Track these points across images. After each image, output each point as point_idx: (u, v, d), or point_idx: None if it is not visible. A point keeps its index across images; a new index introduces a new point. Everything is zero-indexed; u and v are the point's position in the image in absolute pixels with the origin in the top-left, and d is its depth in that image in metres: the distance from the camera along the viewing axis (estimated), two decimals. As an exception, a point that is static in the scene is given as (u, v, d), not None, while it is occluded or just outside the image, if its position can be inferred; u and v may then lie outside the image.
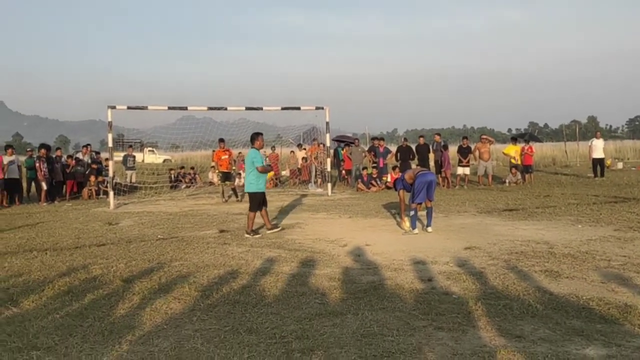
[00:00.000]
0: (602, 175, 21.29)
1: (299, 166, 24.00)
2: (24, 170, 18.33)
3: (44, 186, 17.33)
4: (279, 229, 10.45)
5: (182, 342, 4.54)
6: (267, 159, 25.38)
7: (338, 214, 13.00)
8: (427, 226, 10.07)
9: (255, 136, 10.47)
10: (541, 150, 37.94)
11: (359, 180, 19.96)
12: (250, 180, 10.22)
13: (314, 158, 21.92)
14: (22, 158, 18.91)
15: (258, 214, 10.23)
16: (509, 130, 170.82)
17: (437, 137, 21.46)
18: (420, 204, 10.06)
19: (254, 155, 10.17)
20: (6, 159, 17.05)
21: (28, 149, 20.38)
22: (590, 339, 4.37)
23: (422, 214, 10.41)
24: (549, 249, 8.04)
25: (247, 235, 9.87)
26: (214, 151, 21.45)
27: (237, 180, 20.28)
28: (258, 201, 10.21)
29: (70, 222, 12.58)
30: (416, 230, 9.90)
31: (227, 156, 17.32)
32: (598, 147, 21.68)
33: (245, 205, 15.44)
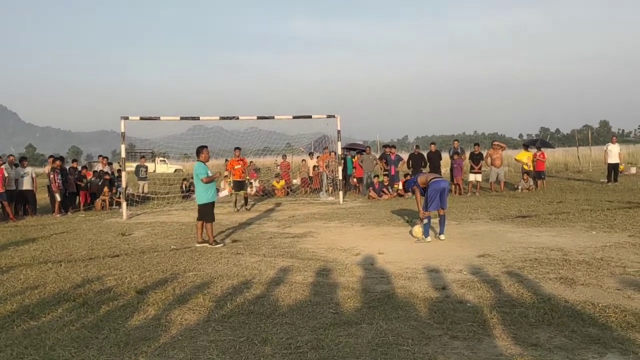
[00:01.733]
0: (615, 180, 21.13)
1: (310, 174, 24.02)
2: (38, 181, 18.48)
3: (58, 197, 17.44)
4: (210, 244, 10.06)
5: (198, 354, 4.56)
6: (279, 167, 25.47)
7: (350, 223, 12.99)
8: (440, 234, 10.03)
9: (200, 149, 10.67)
10: (553, 156, 37.69)
11: (371, 188, 19.94)
12: (200, 192, 10.34)
13: (325, 166, 21.92)
14: (39, 170, 19.07)
15: (199, 223, 10.35)
16: (520, 135, 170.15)
17: (456, 143, 21.48)
18: (433, 211, 10.03)
19: (198, 168, 10.35)
20: (20, 171, 17.19)
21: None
22: (607, 347, 4.34)
23: (435, 221, 10.37)
24: (563, 255, 8.00)
25: (197, 245, 10.16)
26: (227, 160, 21.52)
27: (249, 189, 20.33)
28: (210, 211, 10.33)
29: (83, 233, 12.65)
30: (429, 238, 9.86)
31: (240, 165, 17.36)
32: (613, 152, 21.50)
33: (255, 215, 15.50)
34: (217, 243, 10.17)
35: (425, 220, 9.99)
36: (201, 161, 10.49)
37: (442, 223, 10.13)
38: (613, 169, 21.44)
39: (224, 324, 5.36)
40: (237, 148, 18.06)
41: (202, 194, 10.33)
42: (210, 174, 10.46)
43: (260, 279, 7.22)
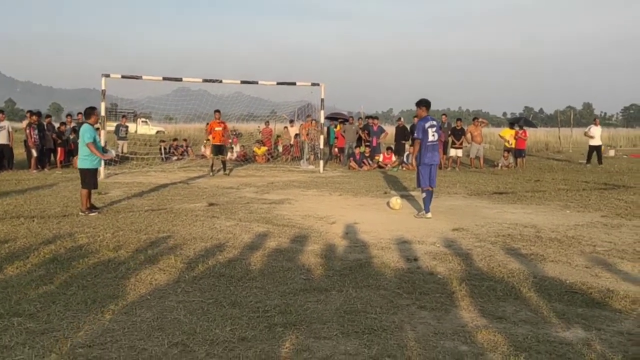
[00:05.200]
0: (599, 162, 21.14)
1: (292, 142, 23.93)
2: (14, 135, 18.17)
3: (34, 153, 17.18)
4: (94, 213, 9.40)
5: (165, 313, 4.54)
6: (261, 133, 25.31)
7: (328, 192, 12.99)
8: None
9: (90, 111, 10.04)
10: (535, 135, 37.97)
11: (351, 158, 19.94)
12: (84, 155, 9.60)
13: (306, 135, 21.83)
14: (17, 125, 18.70)
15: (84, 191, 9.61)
16: (504, 114, 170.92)
17: (444, 118, 21.48)
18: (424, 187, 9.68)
19: (86, 131, 9.54)
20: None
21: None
22: (570, 322, 4.41)
23: (417, 194, 10.40)
24: (536, 232, 8.08)
25: (81, 214, 9.25)
26: (207, 123, 21.33)
27: (228, 154, 20.19)
28: (91, 177, 9.68)
29: (59, 190, 12.51)
30: (429, 214, 9.47)
31: (221, 128, 17.09)
32: (596, 135, 21.62)
33: (234, 180, 15.44)
34: (92, 210, 9.43)
35: (424, 195, 9.67)
36: (89, 123, 9.78)
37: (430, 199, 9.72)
38: (595, 151, 21.57)
39: (193, 285, 5.35)
40: (217, 110, 17.80)
41: (87, 158, 9.58)
42: (97, 141, 9.74)
43: (234, 243, 7.20)
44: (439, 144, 10.04)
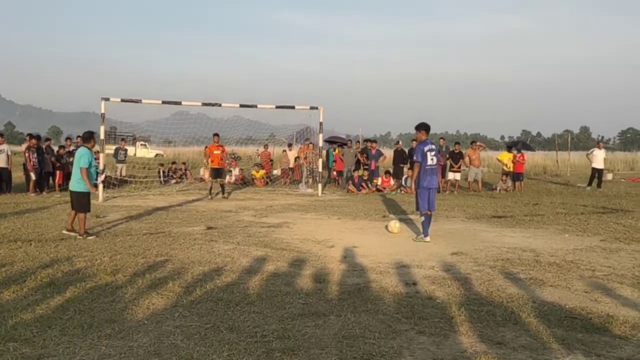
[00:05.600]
0: (599, 186, 21.08)
1: (291, 166, 23.96)
2: (13, 159, 18.18)
3: (33, 176, 17.18)
4: (80, 236, 9.29)
5: (162, 338, 4.51)
6: (259, 156, 25.33)
7: (327, 215, 12.98)
8: (424, 235, 9.54)
9: (90, 135, 10.06)
10: (533, 158, 38.07)
11: (350, 181, 19.96)
12: (76, 179, 9.56)
13: (304, 158, 21.87)
14: (17, 148, 18.70)
15: (73, 212, 9.68)
16: (502, 137, 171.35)
17: (441, 142, 21.51)
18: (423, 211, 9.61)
19: (84, 155, 9.50)
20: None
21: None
22: (570, 348, 4.38)
23: (415, 218, 10.37)
24: (535, 257, 8.06)
25: (79, 237, 9.20)
26: (206, 147, 21.36)
27: (227, 177, 20.18)
28: (85, 201, 9.58)
29: (57, 213, 12.48)
30: (428, 238, 9.42)
31: (219, 152, 17.15)
32: (599, 158, 21.58)
33: (232, 203, 15.43)
34: (89, 235, 9.37)
35: (422, 219, 9.64)
36: (88, 147, 9.75)
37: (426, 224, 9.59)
38: (597, 174, 21.55)
39: (191, 309, 5.32)
40: (216, 134, 17.86)
41: (80, 181, 9.51)
42: (93, 166, 9.74)
43: (232, 267, 7.17)
44: (437, 168, 10.00)
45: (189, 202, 15.65)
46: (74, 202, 9.60)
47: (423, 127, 9.87)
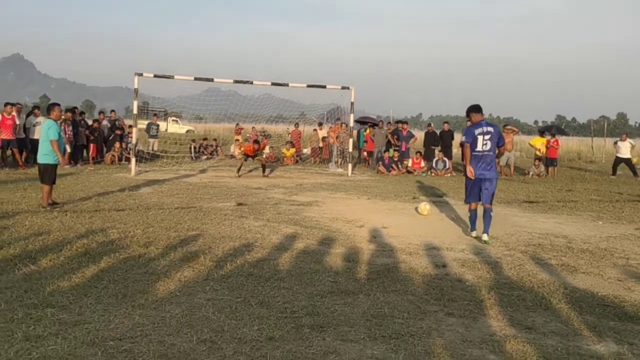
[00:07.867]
0: (635, 174, 20.59)
1: (320, 145, 23.95)
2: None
3: (68, 149, 17.49)
4: (57, 207, 9.42)
5: (194, 310, 4.59)
6: (290, 135, 25.37)
7: (357, 195, 12.97)
8: (482, 231, 8.18)
9: (51, 107, 10.01)
10: (567, 144, 37.34)
11: (380, 162, 19.89)
12: (45, 151, 9.57)
13: (336, 137, 21.83)
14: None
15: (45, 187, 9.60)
16: (535, 122, 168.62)
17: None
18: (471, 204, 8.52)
19: (51, 127, 9.53)
20: (32, 120, 17.24)
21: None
22: (602, 336, 4.33)
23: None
24: (567, 243, 7.96)
25: (41, 209, 9.19)
26: (237, 124, 21.33)
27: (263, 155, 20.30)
28: (51, 172, 9.63)
29: (91, 185, 12.72)
30: (474, 233, 8.37)
31: (257, 146, 17.04)
32: (622, 149, 21.35)
33: (262, 181, 15.51)
34: (54, 205, 9.46)
35: (469, 214, 8.60)
36: (52, 119, 9.76)
37: (484, 220, 8.16)
38: (625, 163, 21.14)
39: (222, 283, 5.39)
40: (253, 127, 17.68)
41: (47, 155, 9.57)
42: (61, 137, 9.81)
43: (262, 243, 7.24)
44: (491, 155, 8.21)
45: (220, 178, 15.79)
46: (41, 174, 9.60)
47: (473, 110, 8.38)
